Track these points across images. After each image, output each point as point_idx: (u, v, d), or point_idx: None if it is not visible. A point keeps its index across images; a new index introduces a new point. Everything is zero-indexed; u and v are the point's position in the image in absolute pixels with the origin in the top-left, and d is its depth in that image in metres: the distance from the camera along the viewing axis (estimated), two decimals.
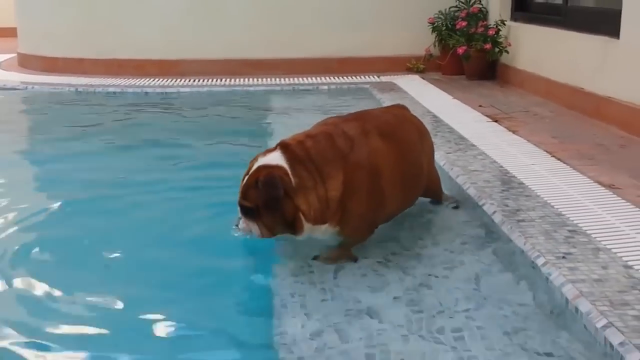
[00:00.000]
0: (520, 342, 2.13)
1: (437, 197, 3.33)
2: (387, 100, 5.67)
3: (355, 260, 2.73)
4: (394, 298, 2.44)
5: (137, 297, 2.56)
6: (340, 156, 2.67)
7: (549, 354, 2.06)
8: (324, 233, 2.70)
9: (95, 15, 7.77)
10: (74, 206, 3.56)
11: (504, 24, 6.77)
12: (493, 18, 7.02)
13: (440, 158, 3.78)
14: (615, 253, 2.51)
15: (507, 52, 6.66)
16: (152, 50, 7.64)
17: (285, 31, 7.62)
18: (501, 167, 3.68)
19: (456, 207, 3.29)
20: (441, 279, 2.59)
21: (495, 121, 4.90)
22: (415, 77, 7.22)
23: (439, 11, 7.48)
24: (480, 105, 5.52)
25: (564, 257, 2.47)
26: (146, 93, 6.76)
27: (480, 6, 7.32)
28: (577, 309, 2.14)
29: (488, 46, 6.72)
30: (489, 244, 2.88)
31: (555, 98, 5.60)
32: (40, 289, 2.61)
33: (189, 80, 7.17)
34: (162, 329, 2.36)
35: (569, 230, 2.74)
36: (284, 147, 2.65)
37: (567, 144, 4.22)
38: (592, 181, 3.41)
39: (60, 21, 7.96)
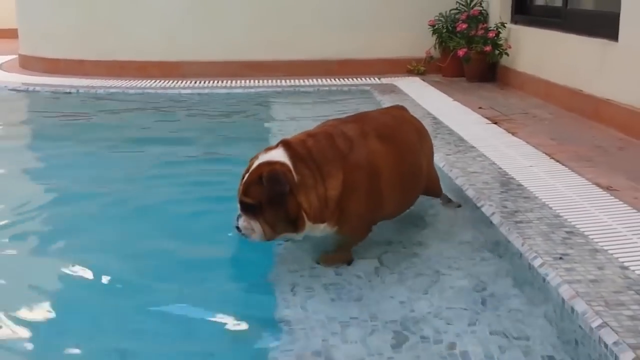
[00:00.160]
0: (518, 344, 2.14)
1: (436, 196, 3.35)
2: (387, 102, 5.68)
3: (349, 263, 2.74)
4: (391, 297, 2.46)
5: (135, 288, 2.60)
6: (340, 156, 2.68)
7: (550, 357, 2.08)
8: (322, 232, 2.72)
9: (96, 16, 7.79)
10: (74, 206, 3.57)
11: (504, 27, 6.79)
12: (493, 20, 7.04)
13: (440, 160, 3.80)
14: (612, 254, 2.52)
15: (507, 54, 6.68)
16: (153, 52, 7.66)
17: (285, 33, 7.63)
18: (500, 168, 3.69)
19: (459, 207, 3.31)
20: (439, 280, 2.60)
21: (495, 123, 4.92)
22: (416, 79, 7.23)
23: (440, 13, 7.50)
24: (480, 107, 5.54)
25: (561, 258, 2.49)
26: (147, 94, 6.77)
27: (481, 9, 7.33)
28: (573, 309, 2.15)
29: (488, 48, 6.74)
30: (487, 245, 2.89)
31: (554, 100, 5.62)
32: (37, 284, 2.65)
33: (190, 82, 7.19)
34: (162, 320, 2.39)
35: (567, 232, 2.75)
36: (286, 144, 2.66)
37: (565, 145, 4.23)
38: (590, 183, 3.42)
39: (61, 22, 7.98)
